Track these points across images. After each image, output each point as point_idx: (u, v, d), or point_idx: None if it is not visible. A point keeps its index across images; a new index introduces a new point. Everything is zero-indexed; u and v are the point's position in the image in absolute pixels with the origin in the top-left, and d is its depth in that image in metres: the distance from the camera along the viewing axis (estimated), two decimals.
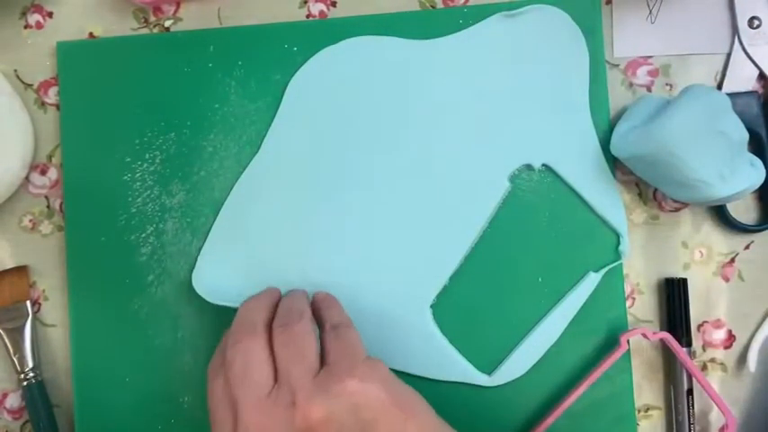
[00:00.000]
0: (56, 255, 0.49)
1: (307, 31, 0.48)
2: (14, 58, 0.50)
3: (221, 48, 0.48)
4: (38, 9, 0.50)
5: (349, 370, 0.36)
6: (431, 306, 0.47)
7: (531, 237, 0.47)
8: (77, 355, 0.48)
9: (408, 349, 0.46)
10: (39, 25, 0.50)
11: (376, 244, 0.47)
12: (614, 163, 0.47)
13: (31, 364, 0.47)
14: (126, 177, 0.48)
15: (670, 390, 0.47)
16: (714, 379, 0.48)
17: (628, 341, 0.45)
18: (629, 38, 0.48)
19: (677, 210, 0.48)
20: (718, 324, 0.48)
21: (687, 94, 0.43)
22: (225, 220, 0.47)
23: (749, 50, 0.47)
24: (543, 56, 0.47)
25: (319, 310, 0.42)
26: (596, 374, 0.45)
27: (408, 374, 0.46)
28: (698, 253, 0.48)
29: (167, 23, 0.49)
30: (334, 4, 0.49)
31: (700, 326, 0.48)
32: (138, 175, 0.48)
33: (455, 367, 0.47)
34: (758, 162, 0.44)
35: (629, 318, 0.47)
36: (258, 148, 0.47)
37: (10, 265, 0.49)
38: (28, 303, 0.48)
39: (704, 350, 0.48)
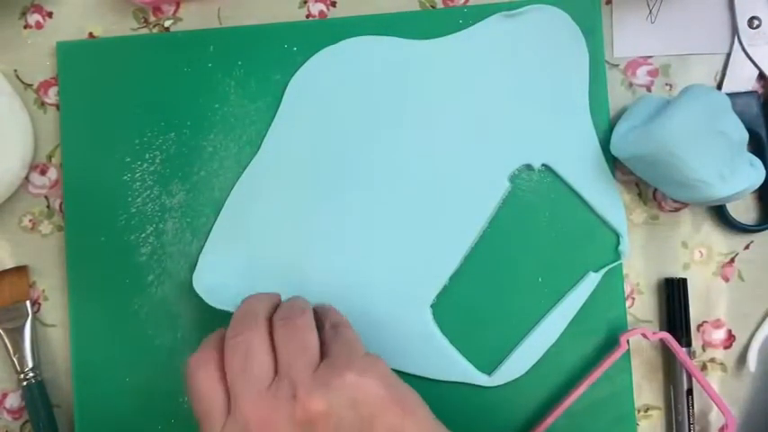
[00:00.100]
0: (56, 255, 0.49)
1: (307, 31, 0.48)
2: (14, 58, 0.50)
3: (221, 48, 0.48)
4: (38, 9, 0.50)
5: (348, 364, 0.37)
6: (431, 306, 0.47)
7: (531, 237, 0.47)
8: (77, 355, 0.48)
9: (408, 349, 0.46)
10: (39, 25, 0.50)
11: (376, 244, 0.47)
12: (614, 163, 0.47)
13: (31, 364, 0.47)
14: (126, 177, 0.48)
15: (670, 390, 0.47)
16: (714, 379, 0.48)
17: (628, 341, 0.45)
18: (629, 38, 0.48)
19: (677, 210, 0.48)
20: (717, 324, 0.48)
21: (687, 94, 0.43)
22: (225, 220, 0.47)
23: (749, 50, 0.47)
24: (543, 56, 0.47)
25: (318, 314, 0.42)
26: (596, 374, 0.45)
27: (408, 374, 0.46)
28: (698, 253, 0.48)
29: (167, 23, 0.49)
30: (334, 4, 0.49)
31: (699, 326, 0.48)
32: (138, 175, 0.48)
33: (455, 367, 0.47)
34: (758, 162, 0.44)
35: (629, 318, 0.47)
36: (258, 148, 0.47)
37: (10, 265, 0.49)
38: (28, 303, 0.48)
39: (704, 350, 0.48)
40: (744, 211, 0.48)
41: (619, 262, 0.47)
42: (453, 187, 0.47)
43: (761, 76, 0.47)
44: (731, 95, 0.45)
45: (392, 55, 0.47)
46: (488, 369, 0.47)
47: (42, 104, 0.49)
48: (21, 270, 0.49)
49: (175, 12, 0.50)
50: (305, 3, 0.49)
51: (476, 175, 0.47)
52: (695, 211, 0.48)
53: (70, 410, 0.48)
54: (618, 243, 0.47)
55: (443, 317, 0.47)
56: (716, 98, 0.43)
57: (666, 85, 0.48)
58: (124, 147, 0.48)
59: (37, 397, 0.47)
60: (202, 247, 0.47)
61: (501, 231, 0.47)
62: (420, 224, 0.47)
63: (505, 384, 0.47)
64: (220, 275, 0.46)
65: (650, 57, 0.48)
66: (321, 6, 0.49)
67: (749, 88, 0.47)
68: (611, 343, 0.46)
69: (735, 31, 0.48)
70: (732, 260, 0.48)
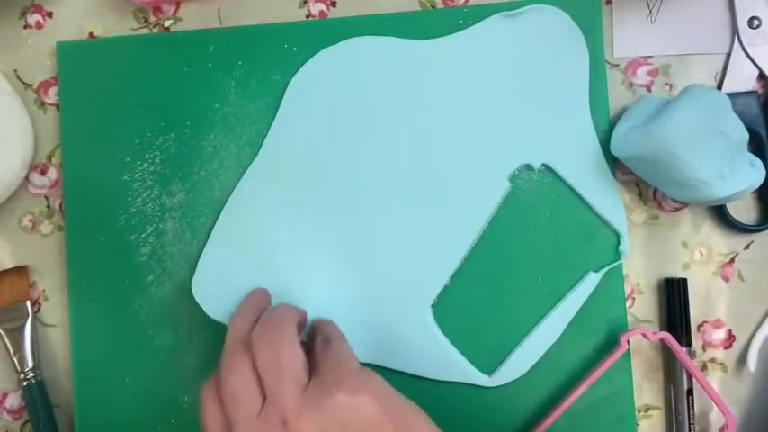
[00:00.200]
0: (56, 255, 0.49)
1: (307, 31, 0.48)
2: (14, 58, 0.50)
3: (221, 48, 0.48)
4: (38, 9, 0.50)
5: (338, 383, 0.36)
6: (431, 306, 0.47)
7: (531, 237, 0.47)
8: (77, 355, 0.48)
9: (409, 349, 0.46)
10: (39, 25, 0.50)
11: (376, 244, 0.47)
12: (614, 163, 0.47)
13: (31, 364, 0.47)
14: (126, 177, 0.48)
15: (670, 390, 0.47)
16: (714, 379, 0.48)
17: (628, 341, 0.45)
18: (629, 38, 0.48)
19: (677, 210, 0.48)
20: (718, 324, 0.48)
21: (687, 94, 0.43)
22: (224, 223, 0.47)
23: (749, 50, 0.47)
24: (543, 56, 0.47)
25: (314, 328, 0.42)
26: (596, 374, 0.45)
27: (408, 374, 0.46)
28: (698, 253, 0.48)
29: (167, 23, 0.49)
30: (334, 4, 0.49)
31: (700, 326, 0.48)
32: (138, 175, 0.48)
33: (455, 367, 0.47)
34: (758, 162, 0.44)
35: (629, 318, 0.47)
36: (258, 148, 0.47)
37: (10, 265, 0.49)
38: (28, 303, 0.48)
39: (704, 350, 0.48)
40: (744, 211, 0.48)
41: (619, 262, 0.47)
42: (453, 187, 0.47)
43: (761, 76, 0.47)
44: (731, 95, 0.45)
45: (392, 55, 0.47)
46: (488, 369, 0.47)
47: (42, 104, 0.49)
48: (21, 270, 0.49)
49: (175, 12, 0.50)
50: (305, 3, 0.49)
51: (476, 175, 0.47)
52: (695, 211, 0.48)
53: (70, 410, 0.48)
54: (618, 243, 0.47)
55: (443, 317, 0.47)
56: (716, 98, 0.43)
57: (666, 85, 0.48)
58: (124, 147, 0.48)
59: (37, 397, 0.47)
60: (203, 248, 0.47)
61: (501, 231, 0.47)
62: (420, 224, 0.47)
63: (505, 384, 0.47)
64: (219, 281, 0.46)
65: (650, 57, 0.48)
66: (321, 6, 0.49)
67: (749, 88, 0.47)
68: (611, 343, 0.46)
69: (735, 31, 0.48)
70: (732, 260, 0.48)
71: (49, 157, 0.49)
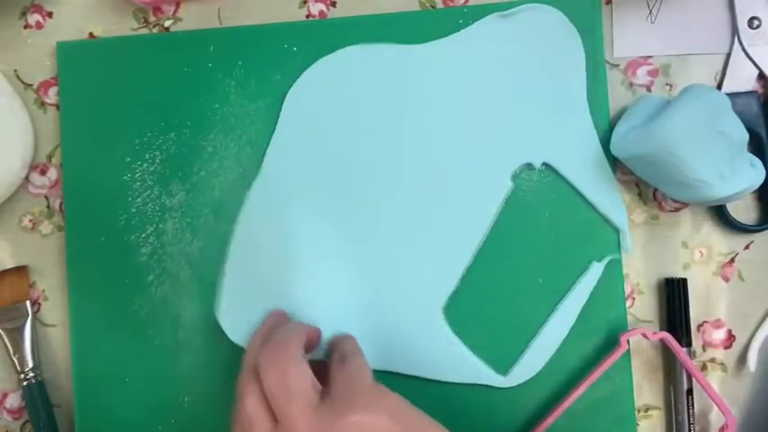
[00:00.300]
0: (56, 255, 0.49)
1: (307, 31, 0.48)
2: (14, 58, 0.50)
3: (221, 48, 0.48)
4: (38, 9, 0.50)
5: (351, 403, 0.35)
6: (443, 308, 0.47)
7: (532, 236, 0.47)
8: (77, 355, 0.48)
9: (422, 353, 0.46)
10: (39, 25, 0.50)
11: (386, 250, 0.46)
12: (614, 163, 0.47)
13: (31, 364, 0.47)
14: (126, 177, 0.48)
15: (670, 390, 0.47)
16: (714, 379, 0.48)
17: (628, 341, 0.45)
18: (629, 38, 0.48)
19: (677, 210, 0.48)
20: (718, 324, 0.48)
21: (687, 94, 0.43)
22: (237, 246, 0.47)
23: (749, 50, 0.47)
24: (539, 55, 0.47)
25: (333, 342, 0.42)
26: (596, 374, 0.45)
27: (422, 378, 0.46)
28: (698, 253, 0.48)
29: (167, 23, 0.49)
30: (333, 4, 0.49)
31: (700, 326, 0.48)
32: (138, 175, 0.48)
33: (470, 369, 0.46)
34: (758, 162, 0.44)
35: (629, 318, 0.47)
36: (258, 148, 0.47)
37: (10, 265, 0.49)
38: (28, 303, 0.48)
39: (704, 350, 0.48)
40: (744, 211, 0.48)
41: (619, 255, 0.47)
42: (458, 188, 0.47)
43: (761, 76, 0.47)
44: (731, 95, 0.45)
45: (388, 61, 0.47)
46: (498, 370, 0.47)
47: (42, 104, 0.49)
48: (21, 270, 0.49)
49: (175, 12, 0.50)
50: (305, 3, 0.49)
51: (479, 175, 0.47)
52: (695, 211, 0.48)
53: (70, 410, 0.48)
54: (618, 242, 0.47)
55: (450, 319, 0.47)
56: (716, 98, 0.43)
57: (666, 85, 0.48)
58: (124, 147, 0.48)
59: (37, 397, 0.47)
60: (203, 249, 0.47)
61: (502, 232, 0.47)
62: (428, 227, 0.47)
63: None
64: (241, 306, 0.46)
65: (650, 57, 0.48)
66: (321, 6, 0.49)
67: (749, 88, 0.47)
68: (611, 343, 0.46)
69: (735, 31, 0.48)
70: (732, 260, 0.48)
71: (49, 157, 0.49)
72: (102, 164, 0.48)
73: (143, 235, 0.48)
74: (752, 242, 0.48)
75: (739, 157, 0.43)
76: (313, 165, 0.47)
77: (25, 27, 0.50)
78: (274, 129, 0.48)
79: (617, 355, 0.45)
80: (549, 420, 0.45)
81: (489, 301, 0.47)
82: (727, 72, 0.48)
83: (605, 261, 0.46)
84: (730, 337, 0.48)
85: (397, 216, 0.47)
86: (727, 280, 0.48)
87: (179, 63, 0.48)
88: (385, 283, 0.46)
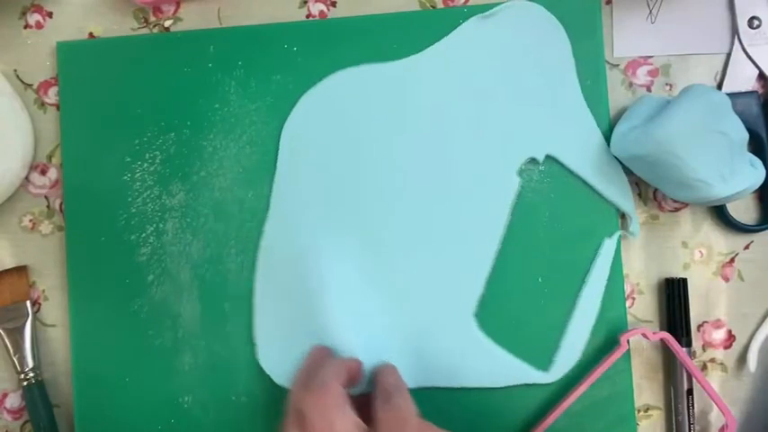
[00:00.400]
0: (56, 255, 0.49)
1: (307, 31, 0.48)
2: (14, 58, 0.50)
3: (221, 48, 0.48)
4: (38, 9, 0.50)
5: None
6: (474, 314, 0.46)
7: (538, 231, 0.47)
8: (77, 355, 0.48)
9: (463, 363, 0.46)
10: (39, 25, 0.50)
11: (410, 268, 0.46)
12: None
13: (31, 364, 0.47)
14: (126, 177, 0.48)
15: (670, 390, 0.47)
16: (714, 379, 0.48)
17: (628, 341, 0.45)
18: (629, 38, 0.48)
19: (677, 210, 0.48)
20: (718, 324, 0.48)
21: (687, 94, 0.43)
22: (263, 287, 0.47)
23: (749, 50, 0.47)
24: (526, 50, 0.47)
25: (376, 376, 0.42)
26: (596, 374, 0.45)
27: (464, 389, 0.46)
28: (698, 253, 0.48)
29: (167, 23, 0.49)
30: (334, 4, 0.49)
31: (700, 326, 0.48)
32: (138, 175, 0.48)
33: (512, 371, 0.46)
34: (758, 162, 0.44)
35: (629, 318, 0.47)
36: (258, 148, 0.47)
37: (10, 265, 0.49)
38: (28, 303, 0.48)
39: (704, 350, 0.48)
40: (744, 211, 0.48)
41: (620, 232, 0.47)
42: (469, 193, 0.47)
43: (761, 76, 0.47)
44: (731, 95, 0.45)
45: (377, 80, 0.47)
46: (539, 366, 0.46)
47: (42, 104, 0.49)
48: (21, 270, 0.49)
49: (175, 12, 0.50)
50: (305, 3, 0.49)
51: (487, 176, 0.47)
52: (695, 211, 0.48)
53: (70, 410, 0.48)
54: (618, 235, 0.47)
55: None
56: (716, 98, 0.43)
57: (666, 85, 0.48)
58: (124, 147, 0.48)
59: (37, 397, 0.47)
60: (203, 249, 0.47)
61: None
62: (447, 237, 0.46)
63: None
64: (279, 347, 0.46)
65: (650, 57, 0.48)
66: (321, 6, 0.49)
67: (749, 88, 0.47)
68: (611, 343, 0.46)
69: (735, 31, 0.48)
70: (732, 260, 0.48)
71: (49, 157, 0.49)
72: (102, 164, 0.48)
73: (143, 235, 0.48)
74: (752, 242, 0.48)
75: (739, 157, 0.43)
76: (321, 195, 0.47)
77: (25, 27, 0.50)
78: (275, 131, 0.48)
79: (617, 355, 0.45)
80: (549, 420, 0.45)
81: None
82: (728, 72, 0.48)
83: (615, 236, 0.46)
84: (730, 338, 0.48)
85: (415, 231, 0.47)
86: (727, 280, 0.48)
87: (179, 63, 0.48)
88: (414, 299, 0.46)
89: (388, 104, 0.47)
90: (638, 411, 0.47)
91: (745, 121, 0.43)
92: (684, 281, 0.47)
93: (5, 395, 0.49)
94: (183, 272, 0.47)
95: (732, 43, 0.48)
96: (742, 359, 0.47)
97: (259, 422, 0.47)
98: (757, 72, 0.47)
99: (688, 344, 0.46)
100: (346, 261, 0.46)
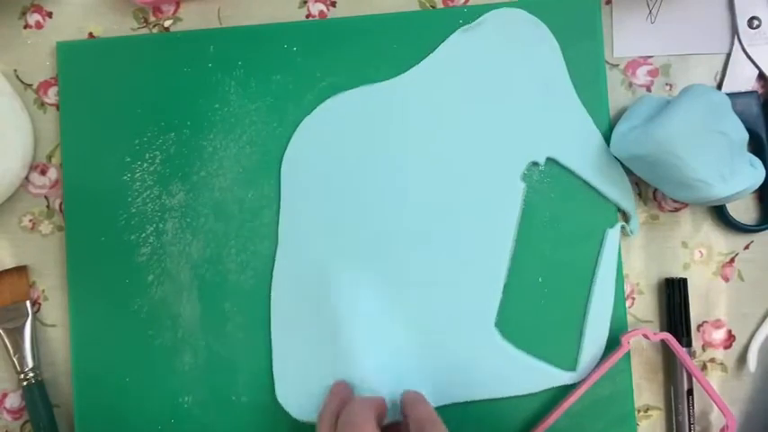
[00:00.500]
0: (56, 255, 0.49)
1: (307, 31, 0.48)
2: (14, 58, 0.50)
3: (221, 48, 0.48)
4: (38, 9, 0.50)
5: None
6: (495, 324, 0.46)
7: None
8: (77, 355, 0.48)
9: (489, 375, 0.46)
10: (39, 25, 0.50)
11: (425, 286, 0.46)
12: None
13: (31, 364, 0.47)
14: (126, 177, 0.48)
15: (670, 390, 0.47)
16: (714, 379, 0.48)
17: (629, 342, 0.45)
18: (629, 38, 0.48)
19: (677, 210, 0.48)
20: (718, 324, 0.48)
21: (687, 94, 0.43)
22: (279, 323, 0.47)
23: (749, 50, 0.47)
24: (515, 55, 0.47)
25: (405, 408, 0.41)
26: (597, 375, 0.45)
27: (494, 400, 0.46)
28: (698, 253, 0.48)
29: (167, 23, 0.49)
30: (333, 4, 0.49)
31: (700, 326, 0.48)
32: (138, 175, 0.48)
33: (542, 376, 0.46)
34: (758, 162, 0.44)
35: (629, 318, 0.47)
36: (258, 148, 0.47)
37: (10, 265, 0.49)
38: (28, 303, 0.48)
39: (704, 350, 0.48)
40: (744, 211, 0.48)
41: (622, 224, 0.47)
42: (477, 204, 0.47)
43: (761, 76, 0.47)
44: (731, 95, 0.45)
45: (372, 102, 0.47)
46: (564, 367, 0.46)
47: (42, 104, 0.49)
48: (21, 270, 0.49)
49: (175, 12, 0.50)
50: (305, 3, 0.49)
51: (492, 185, 0.47)
52: (695, 211, 0.48)
53: (70, 410, 0.48)
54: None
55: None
56: (716, 98, 0.43)
57: (666, 85, 0.48)
58: (124, 147, 0.48)
59: (37, 397, 0.47)
60: (203, 249, 0.47)
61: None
62: (460, 249, 0.46)
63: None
64: (298, 384, 0.46)
65: (650, 57, 0.48)
66: (321, 6, 0.49)
67: (749, 88, 0.47)
68: (611, 343, 0.46)
69: (735, 31, 0.48)
70: (732, 260, 0.48)
71: (49, 157, 0.49)
72: (102, 164, 0.48)
73: (143, 235, 0.48)
74: (752, 242, 0.48)
75: (739, 157, 0.43)
76: (329, 222, 0.47)
77: (25, 27, 0.50)
78: (276, 131, 0.48)
79: (618, 355, 0.45)
80: (550, 420, 0.45)
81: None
82: (727, 72, 0.48)
83: (617, 227, 0.46)
84: (730, 338, 0.48)
85: (428, 249, 0.46)
86: (727, 280, 0.48)
87: (179, 63, 0.48)
88: (434, 318, 0.46)
89: (384, 125, 0.47)
90: (638, 411, 0.47)
91: (745, 121, 0.43)
92: (684, 281, 0.47)
93: (5, 395, 0.49)
94: (183, 272, 0.47)
95: (732, 43, 0.48)
96: (742, 359, 0.47)
97: (259, 422, 0.47)
98: (757, 72, 0.47)
99: (688, 344, 0.46)
100: (360, 287, 0.46)
